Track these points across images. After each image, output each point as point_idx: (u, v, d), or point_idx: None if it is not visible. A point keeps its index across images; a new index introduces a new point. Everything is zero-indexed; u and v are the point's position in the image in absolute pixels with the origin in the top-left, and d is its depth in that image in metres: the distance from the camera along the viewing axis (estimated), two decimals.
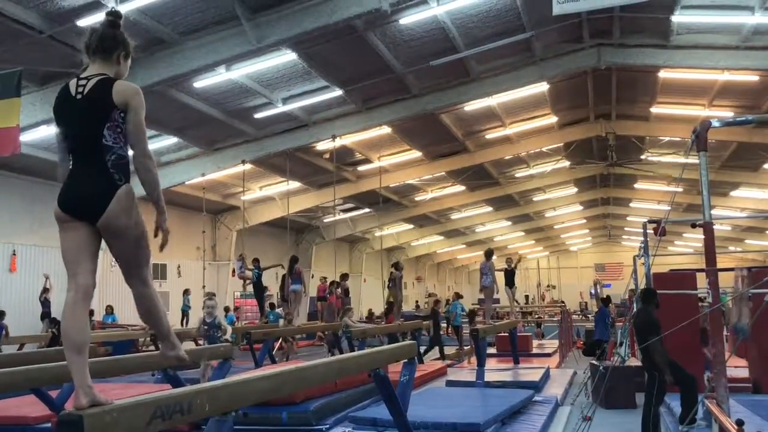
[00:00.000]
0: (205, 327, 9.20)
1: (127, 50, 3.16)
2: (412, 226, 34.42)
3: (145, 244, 3.04)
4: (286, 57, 13.43)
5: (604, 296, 15.21)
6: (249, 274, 15.87)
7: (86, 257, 2.88)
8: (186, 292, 19.86)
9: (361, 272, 34.32)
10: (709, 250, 4.81)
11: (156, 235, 3.15)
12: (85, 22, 10.98)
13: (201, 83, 14.04)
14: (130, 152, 3.07)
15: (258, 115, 16.30)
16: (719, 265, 5.03)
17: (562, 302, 30.78)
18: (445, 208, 31.28)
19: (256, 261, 15.85)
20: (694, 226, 7.54)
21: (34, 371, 5.77)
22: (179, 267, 22.85)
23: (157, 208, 3.12)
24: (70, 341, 2.74)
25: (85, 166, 2.92)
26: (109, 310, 17.56)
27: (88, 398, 2.65)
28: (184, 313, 19.66)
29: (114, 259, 3.04)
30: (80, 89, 3.00)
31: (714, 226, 5.03)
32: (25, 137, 13.87)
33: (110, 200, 2.86)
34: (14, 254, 16.89)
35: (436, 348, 15.42)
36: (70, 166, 2.97)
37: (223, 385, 3.63)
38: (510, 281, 14.71)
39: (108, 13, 3.10)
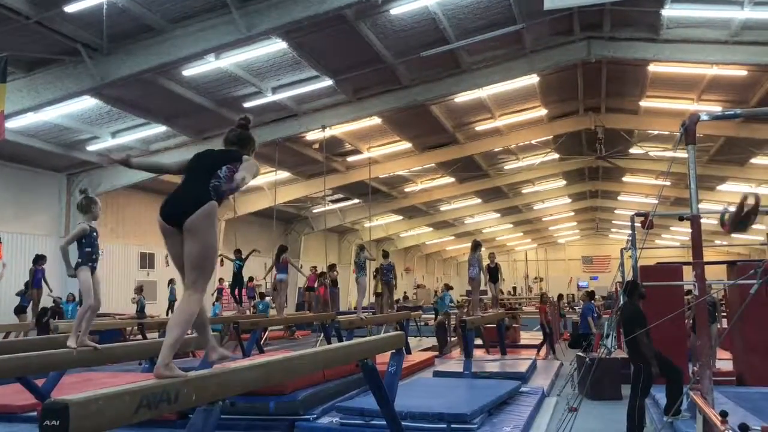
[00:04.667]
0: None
1: (254, 148, 4.09)
2: (401, 217, 34.44)
3: (211, 260, 3.57)
4: (276, 46, 13.35)
5: (589, 290, 15.33)
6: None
7: None
8: (171, 282, 19.77)
9: (350, 263, 34.29)
10: (696, 243, 4.83)
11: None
12: (72, 8, 10.87)
13: (190, 71, 13.92)
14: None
15: (247, 105, 16.19)
16: (705, 259, 5.06)
17: (562, 297, 30.29)
18: (435, 200, 31.31)
19: (237, 252, 15.71)
20: (681, 219, 7.60)
21: (20, 359, 5.74)
22: (167, 256, 22.68)
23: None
24: (201, 325, 3.71)
25: (194, 181, 3.61)
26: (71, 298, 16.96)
27: (218, 354, 3.73)
28: (171, 303, 19.55)
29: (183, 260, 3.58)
30: (220, 150, 3.89)
31: (701, 220, 5.06)
32: (12, 124, 13.77)
33: (201, 206, 3.44)
34: (0, 242, 16.74)
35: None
36: (178, 187, 3.65)
37: (210, 374, 3.63)
38: (494, 277, 14.83)
39: (241, 118, 4.14)
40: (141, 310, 16.73)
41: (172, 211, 3.49)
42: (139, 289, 17.16)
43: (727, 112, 8.10)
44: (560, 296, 16.64)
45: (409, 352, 13.04)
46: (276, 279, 14.36)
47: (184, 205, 3.46)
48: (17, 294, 15.33)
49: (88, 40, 11.99)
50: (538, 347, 14.49)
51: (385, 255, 15.49)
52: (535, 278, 48.28)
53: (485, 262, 14.81)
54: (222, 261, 17.79)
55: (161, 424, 6.54)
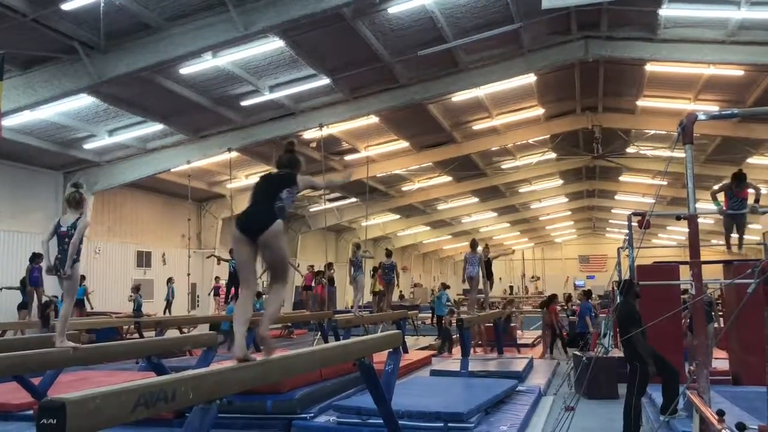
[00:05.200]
0: None
1: (302, 167, 5.01)
2: (398, 216, 34.44)
3: (285, 263, 4.61)
4: (274, 44, 13.32)
5: (586, 290, 15.34)
6: None
7: (252, 267, 4.54)
8: (170, 281, 19.74)
9: (347, 262, 34.27)
10: (694, 243, 4.84)
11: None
12: (69, 6, 10.83)
13: (187, 70, 13.89)
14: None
15: (244, 103, 16.19)
16: (702, 258, 5.07)
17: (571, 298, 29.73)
18: (432, 199, 31.31)
19: (232, 251, 15.61)
20: (679, 218, 7.58)
21: (16, 358, 5.72)
22: (164, 255, 22.73)
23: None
24: (242, 319, 4.39)
25: (263, 203, 4.53)
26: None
27: (243, 353, 4.12)
28: (168, 302, 19.53)
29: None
30: (279, 173, 4.86)
31: (698, 219, 5.06)
32: (8, 122, 13.72)
33: (271, 225, 4.33)
34: None
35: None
36: (250, 205, 4.56)
37: (208, 373, 3.62)
38: (487, 272, 14.35)
39: (288, 143, 5.21)
40: (138, 309, 16.71)
41: (248, 227, 4.39)
42: (136, 288, 17.14)
43: (724, 112, 8.12)
44: (569, 297, 16.57)
45: (406, 351, 13.03)
46: None
47: (258, 223, 4.37)
48: (7, 287, 15.31)
49: (85, 38, 11.96)
50: (551, 345, 14.61)
51: (388, 254, 15.46)
52: (532, 277, 48.32)
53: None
54: (219, 261, 17.81)
55: (159, 423, 6.53)
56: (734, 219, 9.22)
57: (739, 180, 8.57)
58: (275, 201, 4.52)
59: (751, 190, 8.80)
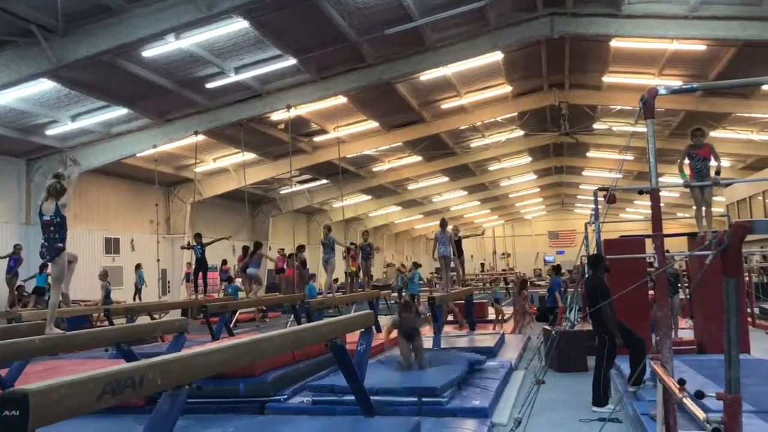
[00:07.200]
0: None
1: None
2: (369, 197, 34.42)
3: None
4: (238, 25, 13.12)
5: (555, 265, 15.52)
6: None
7: None
8: (138, 267, 19.52)
9: (319, 243, 34.22)
10: (656, 216, 4.91)
11: None
12: None
13: (150, 52, 13.63)
14: None
15: (210, 85, 15.96)
16: (667, 231, 5.16)
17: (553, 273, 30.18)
18: (403, 179, 31.35)
19: (197, 236, 15.47)
20: (641, 192, 7.71)
21: None
22: (132, 241, 22.44)
23: None
24: None
25: None
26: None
27: None
28: (137, 288, 19.31)
29: None
30: None
31: (661, 193, 5.14)
32: None
33: None
34: None
35: None
36: None
37: (176, 358, 3.60)
38: (458, 251, 14.64)
39: None
40: (107, 296, 16.50)
41: None
42: (104, 275, 16.90)
43: (684, 86, 8.20)
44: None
45: (379, 330, 13.09)
46: (247, 274, 14.44)
47: None
48: None
49: (43, 20, 11.64)
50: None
51: (365, 236, 15.71)
52: (503, 254, 48.83)
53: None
54: (189, 245, 17.66)
55: (130, 410, 6.50)
56: (701, 189, 9.29)
57: (697, 136, 8.47)
58: None
59: (713, 163, 8.86)
